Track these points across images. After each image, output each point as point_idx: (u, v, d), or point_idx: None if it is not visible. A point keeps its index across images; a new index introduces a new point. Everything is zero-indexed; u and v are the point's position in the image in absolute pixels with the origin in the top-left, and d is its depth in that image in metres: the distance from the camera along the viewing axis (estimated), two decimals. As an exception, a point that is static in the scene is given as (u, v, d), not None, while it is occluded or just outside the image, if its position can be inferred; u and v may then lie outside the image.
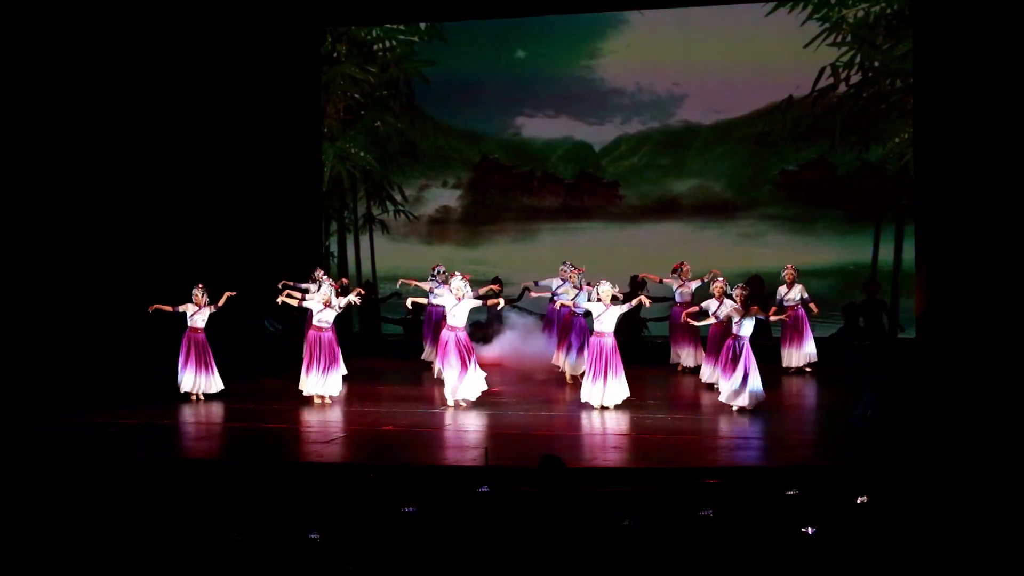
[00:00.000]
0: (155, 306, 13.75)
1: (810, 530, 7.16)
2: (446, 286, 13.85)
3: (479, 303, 13.41)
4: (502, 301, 13.85)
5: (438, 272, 15.45)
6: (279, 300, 13.88)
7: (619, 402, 12.65)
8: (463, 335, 13.08)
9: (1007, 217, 15.31)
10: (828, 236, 17.12)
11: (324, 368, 13.31)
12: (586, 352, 13.25)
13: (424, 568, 6.96)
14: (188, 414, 13.08)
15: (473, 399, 12.98)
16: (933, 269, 16.06)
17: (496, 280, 16.78)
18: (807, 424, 12.40)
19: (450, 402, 12.96)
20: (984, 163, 15.46)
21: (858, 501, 7.84)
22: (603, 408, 12.60)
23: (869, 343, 16.55)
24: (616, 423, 12.08)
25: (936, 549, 6.85)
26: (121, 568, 7.01)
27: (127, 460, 10.31)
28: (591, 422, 12.15)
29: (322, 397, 13.31)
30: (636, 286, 17.07)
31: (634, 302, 12.93)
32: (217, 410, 13.33)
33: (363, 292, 14.94)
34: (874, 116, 16.92)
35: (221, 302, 13.76)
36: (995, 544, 6.91)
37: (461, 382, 12.92)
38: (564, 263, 15.35)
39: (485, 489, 8.46)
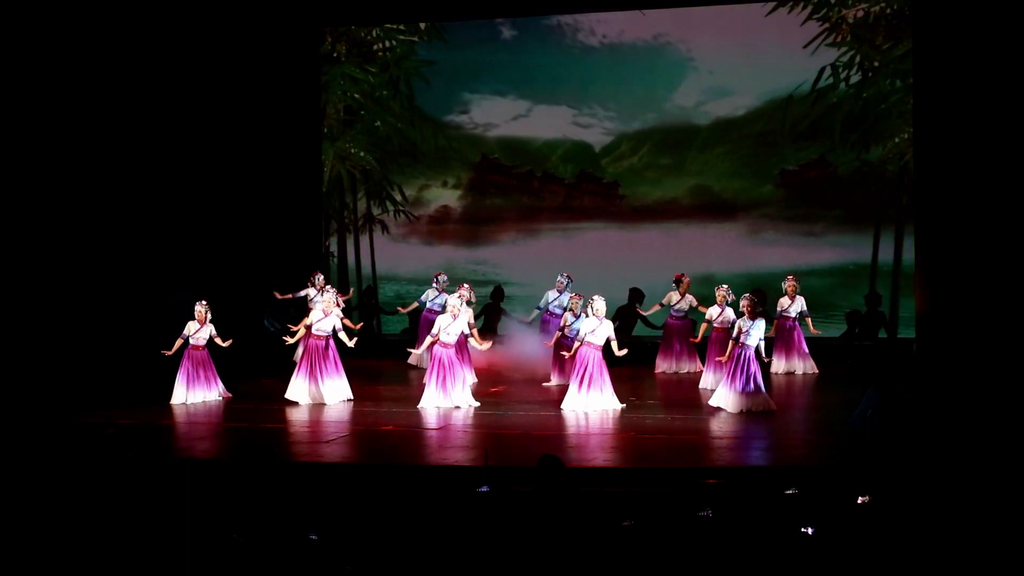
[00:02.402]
0: (171, 351, 13.65)
1: (810, 530, 7.15)
2: (446, 295, 13.95)
3: (469, 323, 13.39)
4: (488, 345, 13.75)
5: (442, 280, 15.62)
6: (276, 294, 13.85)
7: (610, 407, 12.64)
8: (452, 351, 13.06)
9: (1007, 217, 15.29)
10: (828, 236, 17.14)
11: (321, 376, 13.30)
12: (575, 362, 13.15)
13: (424, 568, 6.96)
14: (188, 414, 13.07)
15: (457, 407, 12.98)
16: (933, 269, 16.05)
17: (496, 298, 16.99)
18: (807, 424, 12.38)
19: (425, 406, 12.94)
20: (984, 163, 15.45)
21: (858, 501, 7.84)
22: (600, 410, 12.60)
23: (870, 343, 16.56)
24: (616, 423, 12.08)
25: (936, 549, 6.85)
26: (121, 568, 7.01)
27: (126, 460, 10.30)
28: (591, 422, 12.14)
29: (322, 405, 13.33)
30: (633, 297, 17.11)
31: (619, 350, 12.77)
32: (217, 410, 13.33)
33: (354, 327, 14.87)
34: (874, 116, 16.94)
35: (224, 343, 13.67)
36: (995, 544, 6.91)
37: (444, 398, 12.93)
38: (561, 275, 15.40)
39: (485, 489, 8.46)
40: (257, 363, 15.85)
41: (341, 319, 13.93)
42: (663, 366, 15.56)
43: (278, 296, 16.31)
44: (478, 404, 13.07)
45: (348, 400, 13.52)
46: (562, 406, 12.71)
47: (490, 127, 18.53)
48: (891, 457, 8.96)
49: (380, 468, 10.09)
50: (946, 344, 15.26)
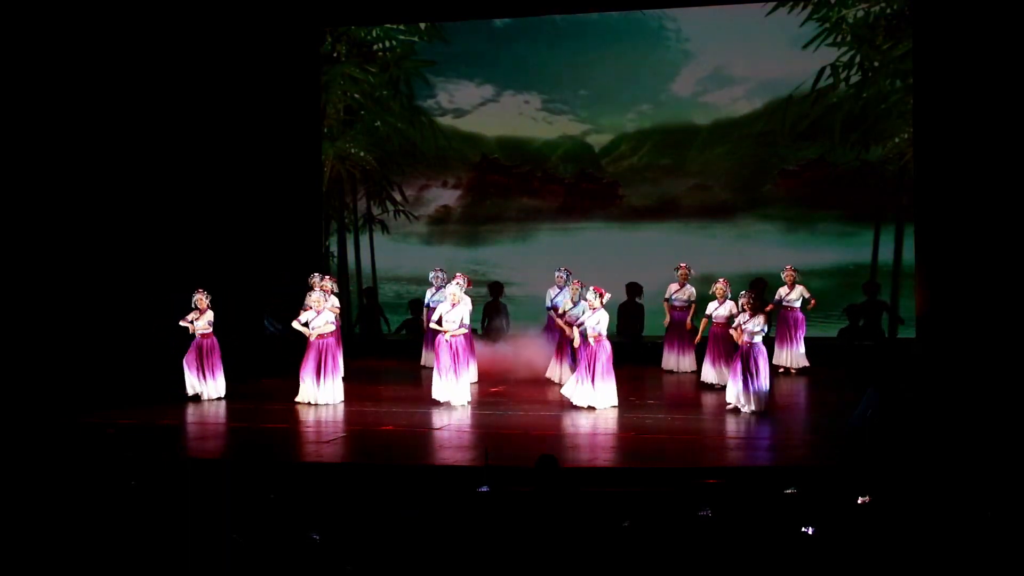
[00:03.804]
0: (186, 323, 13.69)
1: (810, 530, 7.15)
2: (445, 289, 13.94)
3: (468, 310, 13.42)
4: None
5: (439, 277, 15.56)
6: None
7: (605, 406, 12.67)
8: (459, 340, 13.13)
9: (1007, 217, 15.30)
10: (828, 236, 17.13)
11: (320, 376, 13.32)
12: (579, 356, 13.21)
13: (424, 568, 6.96)
14: (188, 414, 13.08)
15: (462, 404, 13.01)
16: (933, 269, 16.06)
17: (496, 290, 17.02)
18: (807, 424, 12.39)
19: (441, 399, 13.01)
20: (984, 163, 15.46)
21: (858, 501, 7.84)
22: (589, 408, 12.63)
23: (870, 343, 16.56)
24: (615, 423, 12.08)
25: (936, 549, 6.85)
26: (122, 568, 7.01)
27: (126, 460, 10.30)
28: (590, 422, 12.14)
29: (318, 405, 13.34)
30: (632, 292, 17.10)
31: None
32: (217, 410, 13.33)
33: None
34: (874, 116, 16.92)
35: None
36: (994, 544, 6.91)
37: (452, 386, 12.99)
38: (559, 269, 15.38)
39: (485, 489, 8.46)
40: (257, 363, 15.86)
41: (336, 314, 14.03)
42: (667, 361, 15.52)
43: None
44: (469, 400, 13.10)
45: (340, 402, 13.52)
46: (573, 399, 12.73)
47: (489, 125, 18.52)
48: (891, 457, 8.97)
49: (380, 468, 10.10)
50: (946, 344, 15.27)
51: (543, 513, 7.35)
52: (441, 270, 15.54)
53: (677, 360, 15.47)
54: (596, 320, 12.67)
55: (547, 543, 6.90)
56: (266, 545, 7.15)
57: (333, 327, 13.58)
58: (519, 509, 7.69)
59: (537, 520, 7.24)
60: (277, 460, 10.65)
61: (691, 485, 9.01)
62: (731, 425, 11.84)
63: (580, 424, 12.08)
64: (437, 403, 13.02)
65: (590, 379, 12.63)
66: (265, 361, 15.99)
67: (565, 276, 15.18)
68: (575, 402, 12.71)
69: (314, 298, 13.48)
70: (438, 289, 15.39)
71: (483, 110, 18.52)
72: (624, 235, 17.88)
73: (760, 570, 6.86)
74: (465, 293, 13.68)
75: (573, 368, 13.58)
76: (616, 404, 12.74)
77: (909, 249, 16.64)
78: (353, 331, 18.51)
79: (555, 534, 7.00)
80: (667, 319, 15.46)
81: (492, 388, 14.38)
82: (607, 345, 12.72)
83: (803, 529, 7.16)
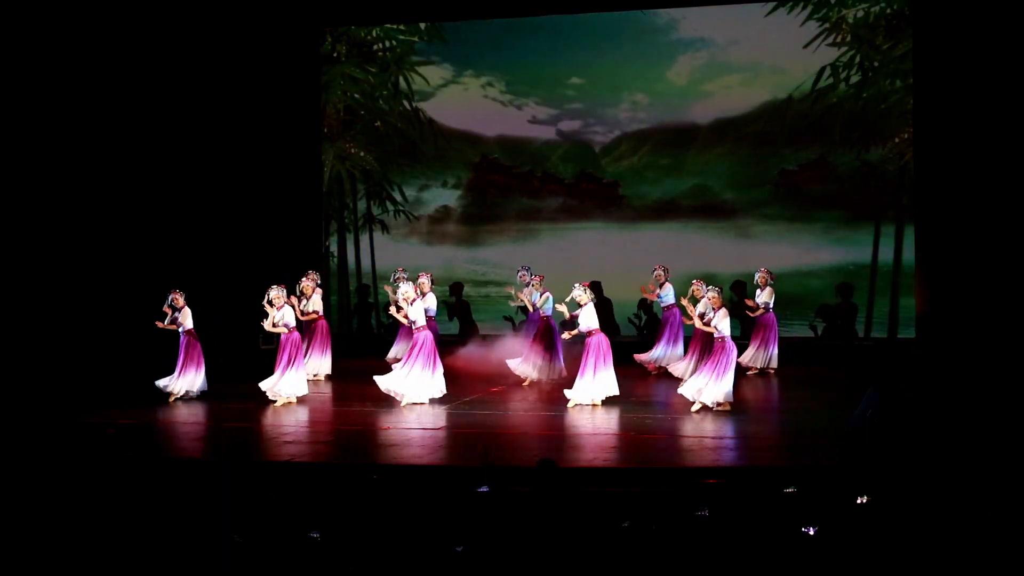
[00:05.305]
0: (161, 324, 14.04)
1: (810, 530, 7.15)
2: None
3: (425, 304, 13.86)
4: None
5: (400, 278, 15.53)
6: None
7: (605, 396, 12.82)
8: (427, 336, 13.18)
9: (1007, 217, 15.30)
10: (828, 236, 17.12)
11: (277, 370, 13.47)
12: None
13: (424, 568, 6.96)
14: (185, 414, 13.08)
15: (435, 397, 13.14)
16: (933, 269, 16.05)
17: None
18: (806, 424, 12.37)
19: (412, 400, 13.18)
20: (984, 163, 15.45)
21: (858, 501, 7.83)
22: (593, 405, 12.71)
23: (869, 343, 16.56)
24: (615, 423, 12.09)
25: (936, 549, 6.84)
26: (121, 568, 7.01)
27: (126, 460, 10.29)
28: (590, 422, 12.15)
29: (282, 399, 13.42)
30: (595, 289, 17.07)
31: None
32: (214, 410, 13.33)
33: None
34: (874, 116, 16.92)
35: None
36: (994, 544, 6.91)
37: (420, 384, 13.16)
38: (520, 268, 15.48)
39: (485, 489, 8.46)
40: (256, 363, 15.84)
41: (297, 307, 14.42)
42: (654, 355, 15.48)
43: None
44: (429, 399, 13.21)
45: (302, 395, 13.65)
46: (575, 398, 12.80)
47: (490, 124, 18.51)
48: (891, 457, 8.96)
49: (380, 468, 10.09)
50: (946, 344, 15.26)
51: (543, 513, 7.35)
52: (403, 270, 15.63)
53: (666, 358, 15.47)
54: (585, 316, 12.90)
55: (547, 543, 6.90)
56: (266, 545, 7.15)
57: (287, 328, 13.60)
58: (519, 509, 7.69)
59: (537, 520, 7.24)
60: (276, 460, 10.64)
61: (691, 485, 9.01)
62: (731, 425, 11.83)
63: (580, 424, 12.08)
64: (436, 402, 13.09)
65: (591, 373, 12.73)
66: (264, 361, 15.96)
67: (528, 274, 15.28)
68: (578, 400, 12.78)
69: (272, 295, 13.59)
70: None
71: (480, 108, 18.52)
72: (624, 235, 17.89)
73: (760, 570, 6.86)
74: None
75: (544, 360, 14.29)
76: (617, 393, 12.80)
77: (909, 249, 16.64)
78: (352, 330, 18.53)
79: (555, 534, 7.00)
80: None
81: (492, 388, 14.38)
82: (602, 338, 12.86)
83: (803, 529, 7.16)
